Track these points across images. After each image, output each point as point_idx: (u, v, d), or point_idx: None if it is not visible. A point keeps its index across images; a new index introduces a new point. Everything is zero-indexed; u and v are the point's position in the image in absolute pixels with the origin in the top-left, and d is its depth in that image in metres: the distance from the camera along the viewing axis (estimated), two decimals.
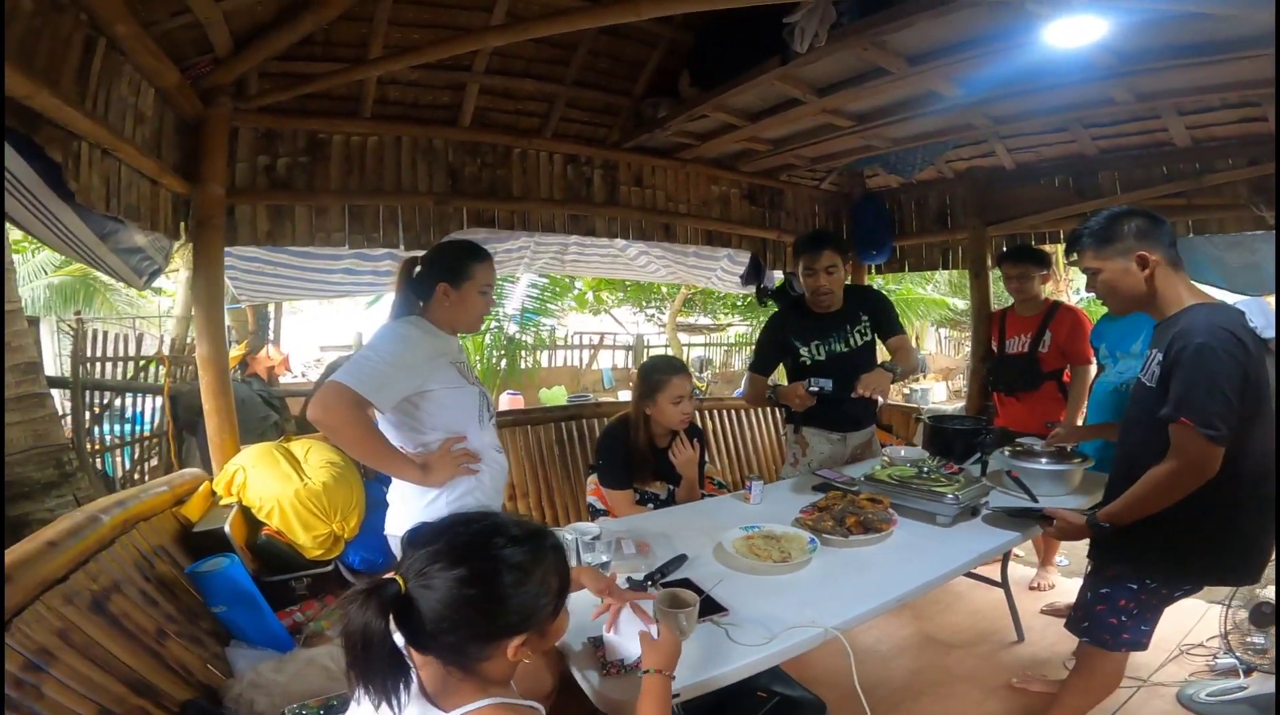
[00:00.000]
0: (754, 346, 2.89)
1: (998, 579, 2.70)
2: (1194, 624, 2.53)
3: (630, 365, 10.19)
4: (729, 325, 11.56)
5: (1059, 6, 1.52)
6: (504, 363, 7.26)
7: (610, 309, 10.84)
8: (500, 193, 2.93)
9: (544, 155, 3.07)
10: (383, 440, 1.62)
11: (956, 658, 2.49)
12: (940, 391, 10.40)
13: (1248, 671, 2.13)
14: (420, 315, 1.79)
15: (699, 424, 2.76)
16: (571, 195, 3.12)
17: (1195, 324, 1.47)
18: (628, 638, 1.21)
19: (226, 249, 2.81)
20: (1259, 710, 1.99)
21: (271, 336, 5.81)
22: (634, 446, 2.49)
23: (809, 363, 2.71)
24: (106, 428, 4.38)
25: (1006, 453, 2.39)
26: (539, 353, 8.74)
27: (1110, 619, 1.66)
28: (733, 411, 3.96)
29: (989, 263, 3.87)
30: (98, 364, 4.28)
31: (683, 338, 10.69)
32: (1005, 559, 2.75)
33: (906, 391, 10.35)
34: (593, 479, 2.64)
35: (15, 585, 1.21)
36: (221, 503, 2.16)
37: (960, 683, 2.31)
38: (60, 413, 3.53)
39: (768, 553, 1.71)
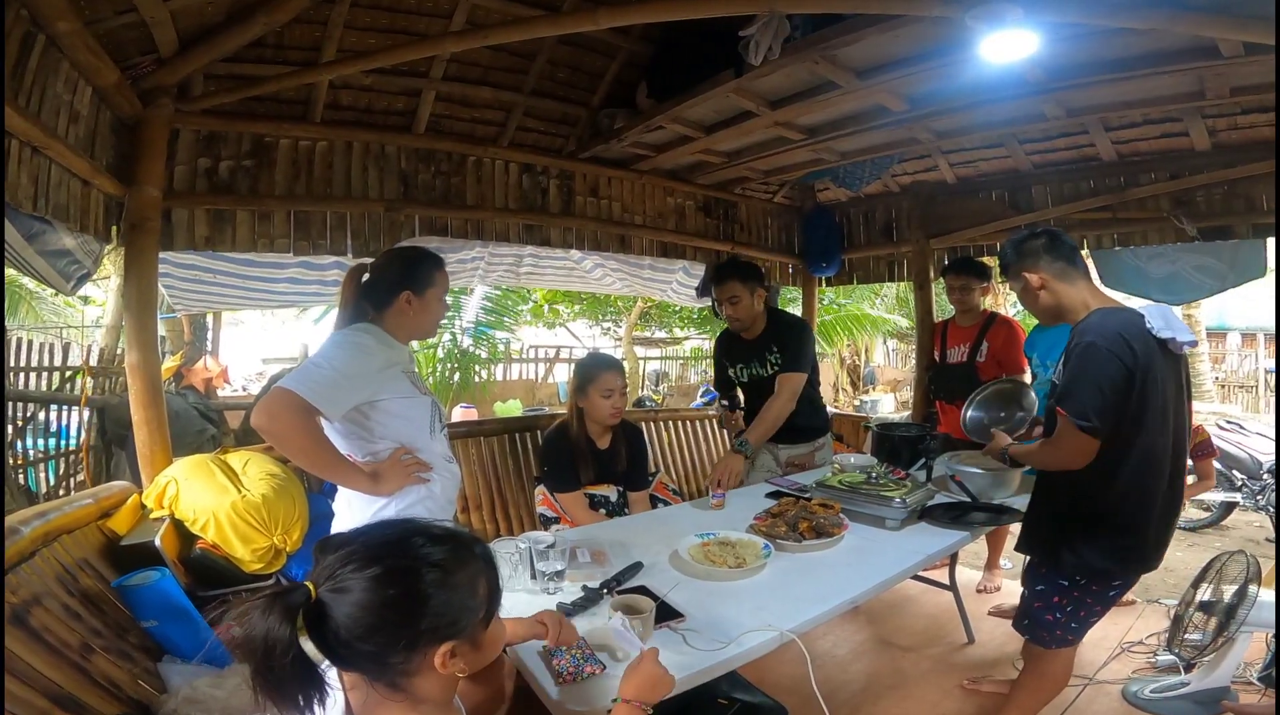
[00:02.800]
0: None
1: (947, 582, 2.79)
2: (1133, 621, 2.69)
3: None
4: (685, 339, 11.67)
5: (994, 21, 1.61)
6: (457, 376, 7.12)
7: (566, 323, 10.80)
8: (454, 201, 2.90)
9: (499, 164, 3.05)
10: (331, 448, 1.57)
11: (911, 660, 2.56)
12: (889, 403, 10.71)
13: (1188, 668, 2.23)
14: (373, 323, 1.75)
15: (641, 430, 2.77)
16: (526, 205, 3.11)
17: (1089, 325, 1.61)
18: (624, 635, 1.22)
19: (163, 256, 2.70)
20: (1200, 705, 2.10)
21: (210, 347, 5.57)
22: (575, 446, 2.50)
23: (736, 382, 2.89)
24: (31, 442, 4.12)
25: (949, 458, 2.51)
26: (493, 366, 8.62)
27: (1047, 616, 1.75)
28: (687, 422, 3.98)
29: (932, 274, 4.03)
30: (20, 374, 4.02)
31: (639, 351, 10.72)
32: (953, 562, 2.85)
33: (857, 402, 10.61)
34: (540, 490, 2.62)
35: None
36: (152, 516, 2.04)
37: (916, 684, 2.38)
38: None
39: (723, 559, 1.73)
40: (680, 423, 3.92)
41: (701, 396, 7.91)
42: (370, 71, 2.55)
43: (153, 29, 2.01)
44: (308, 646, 0.82)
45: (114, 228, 2.25)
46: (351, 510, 1.69)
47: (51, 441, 4.15)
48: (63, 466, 4.17)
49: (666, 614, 1.44)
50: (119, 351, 4.81)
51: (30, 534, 1.47)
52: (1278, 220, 2.79)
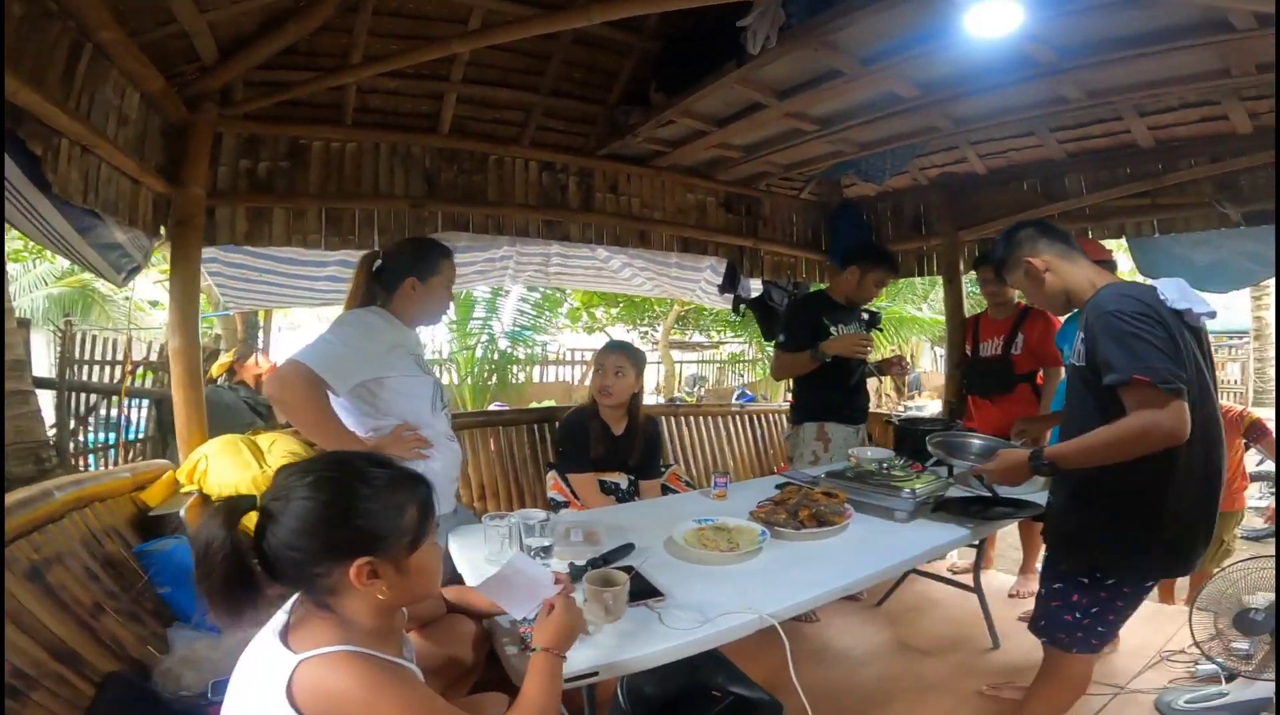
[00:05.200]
0: (783, 328, 3.07)
1: (973, 585, 2.69)
2: (1175, 630, 2.48)
3: None
4: (722, 343, 11.62)
5: None
6: (494, 378, 7.30)
7: (605, 327, 10.91)
8: (476, 198, 3.01)
9: (520, 162, 3.15)
10: (335, 420, 1.66)
11: (929, 665, 2.47)
12: (935, 408, 10.38)
13: (1230, 678, 2.07)
14: (381, 307, 1.85)
15: (660, 423, 2.83)
16: (547, 201, 3.20)
17: (1102, 297, 1.51)
18: (511, 591, 1.22)
19: (213, 255, 2.92)
20: None
21: (260, 345, 5.87)
22: (591, 429, 2.58)
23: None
24: (96, 436, 4.43)
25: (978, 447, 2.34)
26: (531, 368, 8.78)
27: (1066, 616, 1.61)
28: (712, 417, 4.00)
29: (961, 268, 3.94)
30: (86, 368, 4.35)
31: (675, 355, 10.74)
32: (978, 564, 2.77)
33: (901, 408, 10.35)
34: (552, 475, 2.69)
35: None
36: (183, 491, 2.19)
37: (931, 690, 2.29)
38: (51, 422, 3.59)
39: (715, 543, 1.74)
40: (704, 418, 3.94)
41: (736, 399, 7.87)
42: (394, 75, 2.67)
43: (194, 38, 2.17)
44: (258, 565, 0.88)
45: (162, 224, 2.43)
46: None
47: (113, 434, 4.46)
48: (126, 455, 4.47)
49: (645, 591, 1.44)
50: None
51: (63, 497, 1.60)
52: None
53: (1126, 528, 1.51)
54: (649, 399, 8.72)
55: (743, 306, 4.74)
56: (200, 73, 2.35)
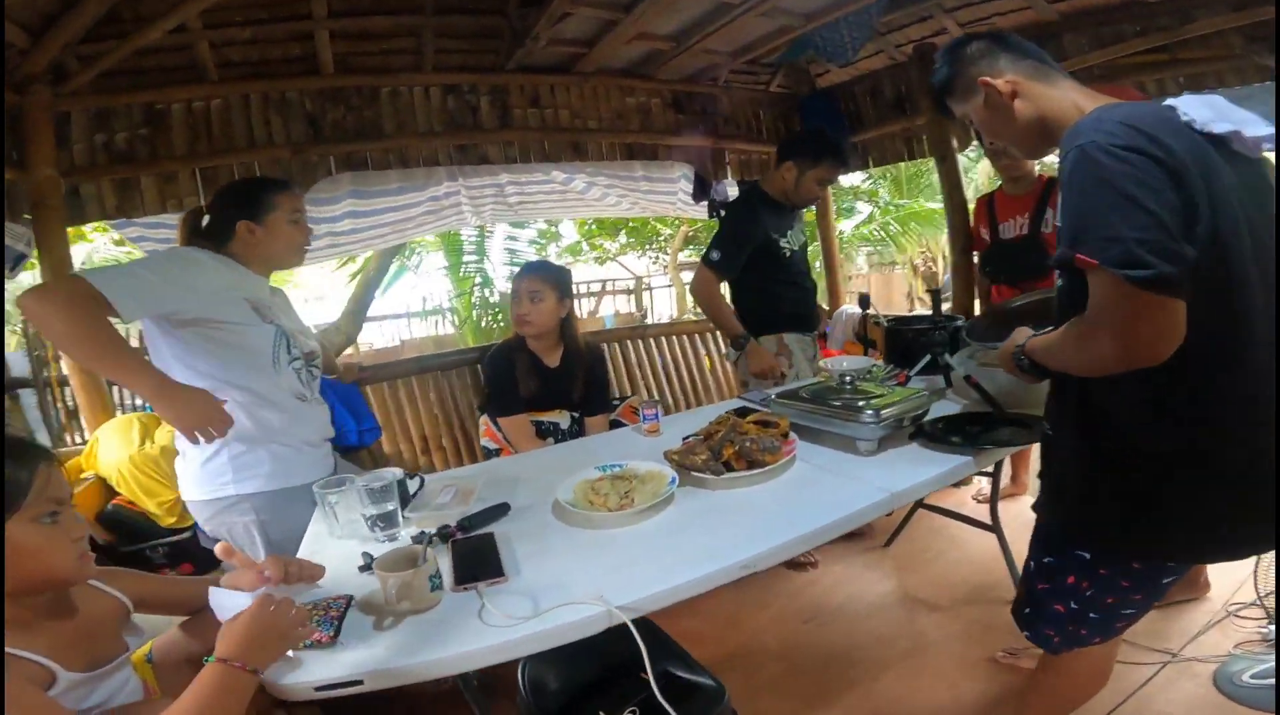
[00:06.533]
0: (716, 242, 2.52)
1: (989, 521, 2.29)
2: (1247, 573, 1.96)
3: (634, 309, 9.94)
4: None
5: None
6: (489, 321, 7.13)
7: (616, 257, 10.55)
8: (369, 134, 2.72)
9: (418, 90, 2.83)
10: (111, 339, 1.32)
11: (937, 621, 2.14)
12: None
13: None
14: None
15: (604, 351, 2.57)
16: (455, 125, 2.89)
17: (1082, 125, 0.97)
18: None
19: (138, 233, 2.80)
20: None
21: None
22: (518, 365, 2.31)
23: (787, 256, 2.56)
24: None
25: (969, 355, 1.88)
26: None
27: (1055, 605, 1.19)
28: (689, 336, 3.68)
29: (954, 145, 3.46)
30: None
31: (686, 276, 10.34)
32: (994, 495, 2.35)
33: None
34: (484, 419, 2.49)
35: None
36: (82, 476, 2.12)
37: (935, 655, 1.97)
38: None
39: (604, 499, 1.39)
40: (679, 337, 3.66)
41: None
42: (250, 23, 2.44)
43: None
44: None
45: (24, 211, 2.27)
46: (186, 460, 1.61)
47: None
48: None
49: (479, 572, 1.17)
50: None
51: None
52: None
53: (1136, 485, 1.04)
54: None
55: (721, 212, 4.39)
56: (20, 56, 2.15)
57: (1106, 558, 1.11)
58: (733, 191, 4.21)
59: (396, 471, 1.51)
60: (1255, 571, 1.93)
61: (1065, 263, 0.95)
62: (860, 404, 1.59)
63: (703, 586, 1.12)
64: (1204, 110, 0.98)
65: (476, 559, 1.23)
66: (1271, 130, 1.00)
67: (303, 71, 2.66)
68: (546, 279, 2.29)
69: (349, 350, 6.19)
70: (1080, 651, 1.22)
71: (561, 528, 1.38)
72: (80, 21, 2.08)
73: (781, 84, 3.94)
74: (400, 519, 1.43)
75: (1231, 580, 2.00)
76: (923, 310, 10.24)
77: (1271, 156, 1.07)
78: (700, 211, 4.48)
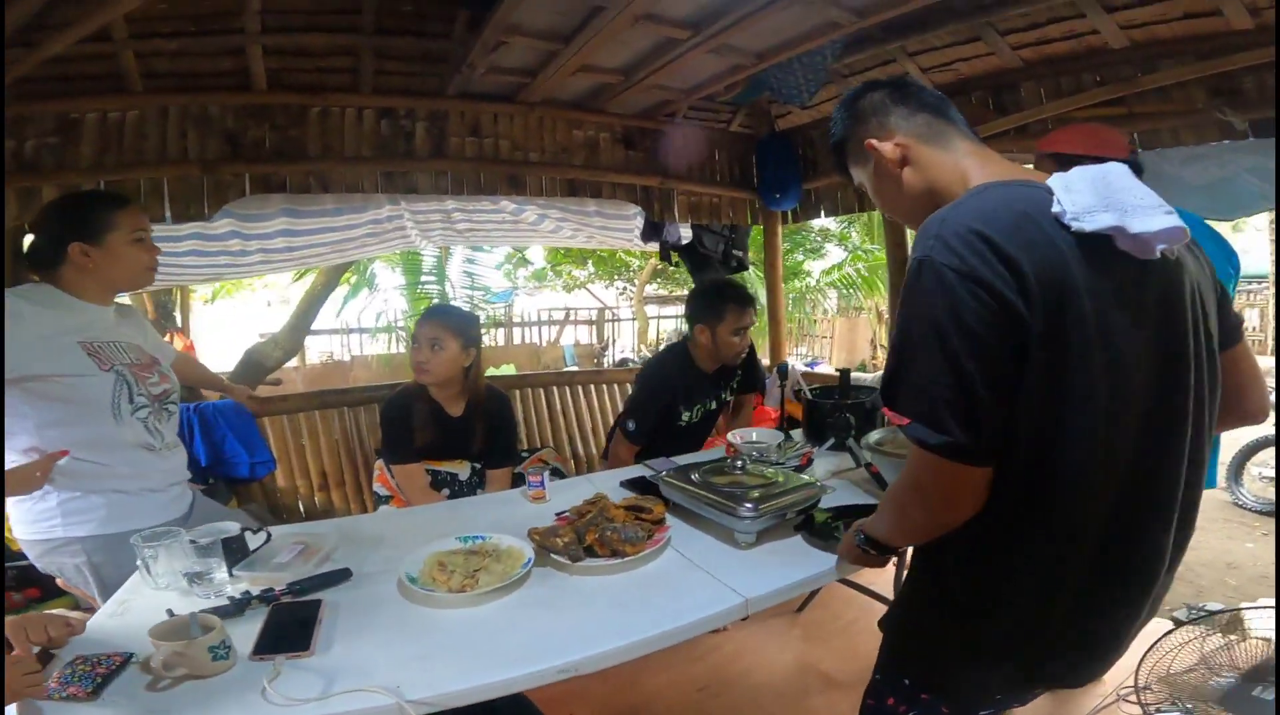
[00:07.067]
0: (633, 406, 2.51)
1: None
2: (1138, 657, 1.85)
3: (595, 341, 9.80)
4: None
5: None
6: None
7: (584, 285, 10.45)
8: (292, 155, 2.59)
9: (350, 112, 2.71)
10: None
11: (830, 701, 2.07)
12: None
13: None
14: (45, 284, 1.50)
15: (506, 399, 2.43)
16: (386, 152, 2.77)
17: (929, 225, 0.86)
18: None
19: None
20: None
21: (179, 324, 5.63)
22: (416, 413, 2.18)
23: (682, 425, 2.52)
24: None
25: (875, 437, 1.81)
26: (494, 331, 8.43)
27: None
28: (619, 385, 3.59)
29: None
30: None
31: (650, 310, 10.27)
32: (899, 574, 2.23)
33: None
34: (379, 465, 2.34)
35: None
36: None
37: None
38: None
39: (445, 579, 1.31)
40: (608, 386, 3.55)
41: None
42: (177, 35, 2.33)
43: None
44: None
45: None
46: (17, 504, 1.47)
47: None
48: None
49: (284, 643, 1.09)
50: None
51: None
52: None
53: (946, 615, 0.98)
54: (622, 357, 8.32)
55: (672, 254, 4.32)
56: None
57: (912, 689, 1.05)
58: (685, 232, 4.14)
59: (234, 526, 1.41)
60: (1143, 657, 1.84)
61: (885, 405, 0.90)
62: (740, 493, 1.51)
63: (513, 688, 1.05)
64: (1085, 196, 0.83)
65: (287, 629, 1.14)
66: (1176, 223, 0.83)
67: (231, 87, 2.53)
68: (449, 326, 2.17)
69: (293, 362, 5.98)
70: None
71: (398, 602, 1.29)
72: None
73: (743, 124, 3.90)
74: (224, 576, 1.32)
75: (1127, 664, 1.89)
76: (884, 354, 10.27)
77: (1185, 254, 0.93)
78: (644, 247, 4.41)
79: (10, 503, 1.48)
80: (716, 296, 2.44)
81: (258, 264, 4.01)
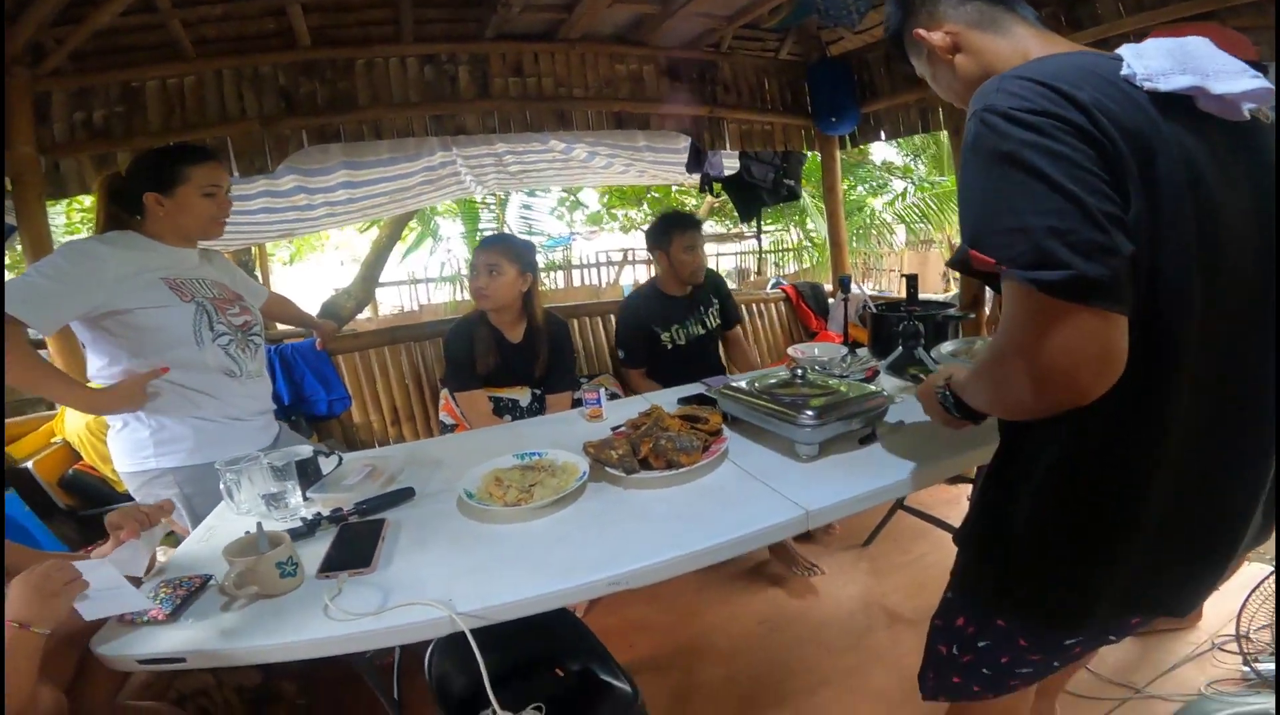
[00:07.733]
0: (619, 337, 2.76)
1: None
2: (1238, 600, 1.73)
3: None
4: (765, 232, 10.77)
5: None
6: None
7: (640, 226, 10.38)
8: (343, 106, 2.68)
9: (394, 61, 2.76)
10: (37, 361, 1.47)
11: (894, 636, 2.01)
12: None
13: None
14: (131, 231, 1.66)
15: (567, 326, 2.51)
16: (432, 95, 2.83)
17: (985, 87, 0.78)
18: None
19: None
20: None
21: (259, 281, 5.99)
22: (478, 339, 2.27)
23: (669, 348, 2.68)
24: None
25: (948, 348, 1.71)
26: (554, 273, 8.52)
27: (940, 646, 1.07)
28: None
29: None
30: None
31: (712, 248, 10.12)
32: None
33: None
34: (444, 393, 2.47)
35: None
36: (53, 441, 2.19)
37: (882, 673, 1.84)
38: None
39: (501, 493, 1.32)
40: None
41: (771, 287, 7.35)
42: (220, 0, 2.42)
43: None
44: None
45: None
46: (113, 433, 1.65)
47: None
48: None
49: (348, 560, 1.16)
50: None
51: None
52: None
53: (1039, 543, 0.87)
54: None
55: (716, 186, 4.26)
56: None
57: (1004, 615, 0.97)
58: (728, 163, 4.06)
59: (306, 449, 1.51)
60: (1245, 601, 1.75)
61: (962, 264, 0.78)
62: (801, 402, 1.43)
63: (558, 601, 1.06)
64: (1159, 61, 0.74)
65: (352, 547, 1.21)
66: (1265, 84, 0.75)
67: (279, 46, 2.63)
68: (505, 252, 2.24)
69: (364, 313, 6.28)
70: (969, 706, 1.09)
71: (456, 519, 1.33)
72: (51, 3, 2.08)
73: (792, 51, 3.73)
74: (298, 500, 1.42)
75: (1227, 609, 1.79)
76: (956, 286, 9.82)
77: (1272, 115, 0.84)
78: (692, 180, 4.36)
79: (110, 436, 1.65)
80: (662, 224, 2.70)
81: (324, 218, 4.24)
